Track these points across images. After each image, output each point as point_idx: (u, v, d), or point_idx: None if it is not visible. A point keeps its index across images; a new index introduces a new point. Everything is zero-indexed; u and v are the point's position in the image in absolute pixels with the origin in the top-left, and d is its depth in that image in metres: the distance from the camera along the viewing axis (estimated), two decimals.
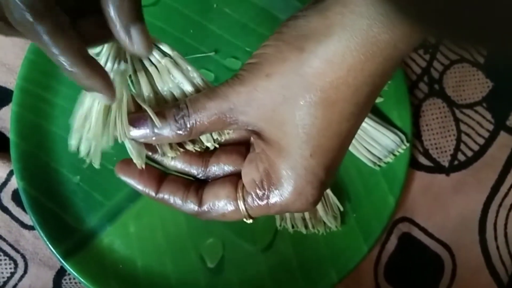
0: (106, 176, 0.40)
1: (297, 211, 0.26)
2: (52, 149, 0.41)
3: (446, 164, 0.42)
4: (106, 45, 0.26)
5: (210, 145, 0.27)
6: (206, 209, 0.27)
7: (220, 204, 0.27)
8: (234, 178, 0.28)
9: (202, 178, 0.29)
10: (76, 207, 0.40)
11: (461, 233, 0.41)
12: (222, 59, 0.42)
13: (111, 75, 0.25)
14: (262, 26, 0.43)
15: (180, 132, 0.25)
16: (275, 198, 0.25)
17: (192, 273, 0.40)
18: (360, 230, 0.40)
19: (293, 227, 0.39)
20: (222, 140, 0.28)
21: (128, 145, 0.27)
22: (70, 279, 0.41)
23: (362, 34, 0.23)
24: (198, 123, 0.25)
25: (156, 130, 0.25)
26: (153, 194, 0.28)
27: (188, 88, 0.27)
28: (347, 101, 0.24)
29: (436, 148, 0.43)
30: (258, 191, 0.26)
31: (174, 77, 0.27)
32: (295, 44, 0.24)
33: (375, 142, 0.41)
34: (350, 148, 0.41)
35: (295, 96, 0.24)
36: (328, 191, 0.40)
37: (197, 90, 0.27)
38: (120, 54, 0.27)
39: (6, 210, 0.41)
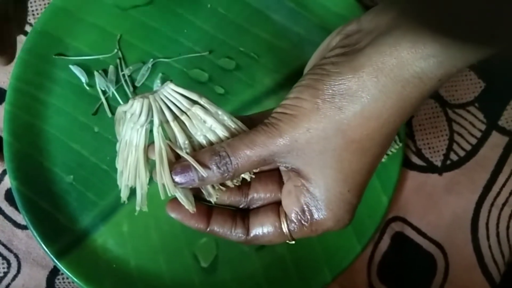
0: (100, 175, 0.41)
1: (336, 230, 0.29)
2: (45, 148, 0.41)
3: (438, 163, 0.43)
4: (136, 101, 0.28)
5: (247, 177, 0.29)
6: (253, 238, 0.30)
7: (266, 231, 0.29)
8: (275, 206, 0.30)
9: (244, 207, 0.31)
10: (69, 206, 0.40)
11: (454, 232, 0.42)
12: (216, 59, 0.42)
13: (144, 127, 0.28)
14: (256, 26, 0.43)
15: (224, 176, 0.28)
16: (317, 225, 0.28)
17: (186, 273, 0.40)
18: (353, 229, 0.40)
19: None
20: (257, 170, 0.30)
21: (179, 195, 0.28)
22: (63, 278, 0.40)
23: (397, 95, 0.25)
24: (240, 168, 0.27)
25: (200, 177, 0.28)
26: (204, 228, 0.30)
27: (220, 132, 0.28)
28: (379, 145, 0.27)
29: (429, 148, 0.43)
30: (301, 220, 0.28)
31: (205, 122, 0.28)
32: (333, 102, 0.26)
33: None
34: None
35: (334, 147, 0.26)
36: None
37: (230, 131, 0.28)
38: (151, 108, 0.28)
39: None
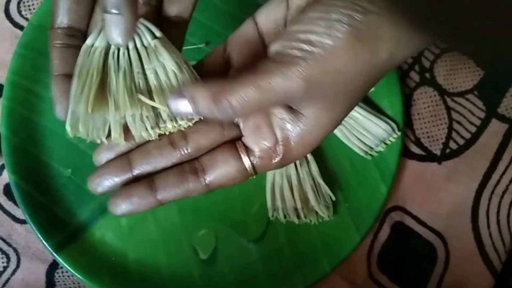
0: None
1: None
2: (43, 142, 0.41)
3: (438, 152, 0.42)
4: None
5: (184, 123, 0.27)
6: (213, 182, 0.27)
7: (227, 172, 0.27)
8: (230, 144, 0.28)
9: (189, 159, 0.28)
10: (67, 200, 0.40)
11: (454, 221, 0.41)
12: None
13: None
14: None
15: (224, 119, 0.26)
16: (287, 160, 0.27)
17: (185, 265, 0.40)
18: (352, 219, 0.40)
19: (285, 217, 0.39)
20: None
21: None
22: (62, 272, 0.41)
23: (411, 44, 0.24)
24: (245, 111, 0.24)
25: (197, 112, 0.25)
26: (154, 200, 0.27)
27: (170, 65, 0.27)
28: (367, 91, 0.27)
29: (428, 137, 0.43)
30: (272, 155, 0.27)
31: (160, 56, 0.27)
32: (368, 44, 0.24)
33: (367, 132, 0.41)
34: (342, 137, 0.41)
35: (352, 89, 0.25)
36: (320, 180, 0.40)
37: (180, 69, 0.27)
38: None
39: None
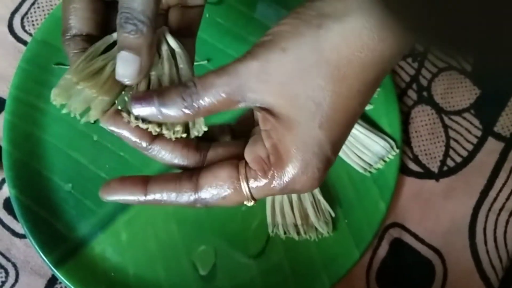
0: (98, 184, 0.40)
1: (302, 188, 0.25)
2: (44, 157, 0.41)
3: (435, 169, 0.43)
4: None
5: (196, 133, 0.26)
6: (204, 195, 0.26)
7: (221, 186, 0.26)
8: (233, 160, 0.27)
9: (196, 166, 0.28)
10: (67, 215, 0.40)
11: (452, 238, 0.42)
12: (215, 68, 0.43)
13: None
14: (254, 35, 0.43)
15: (187, 111, 0.25)
16: (281, 173, 0.25)
17: (184, 281, 0.40)
18: (351, 235, 0.40)
19: (285, 233, 0.40)
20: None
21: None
22: (61, 287, 0.40)
23: (378, 17, 0.23)
24: (206, 101, 0.24)
25: (162, 109, 0.25)
26: (142, 197, 0.26)
27: (165, 78, 0.27)
28: (357, 78, 0.24)
29: (426, 154, 0.43)
30: (264, 166, 0.25)
31: (164, 66, 0.27)
32: (313, 22, 0.24)
33: (366, 149, 0.41)
34: (341, 154, 0.41)
35: (309, 69, 0.24)
36: (320, 197, 0.40)
37: (172, 83, 0.27)
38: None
39: None
